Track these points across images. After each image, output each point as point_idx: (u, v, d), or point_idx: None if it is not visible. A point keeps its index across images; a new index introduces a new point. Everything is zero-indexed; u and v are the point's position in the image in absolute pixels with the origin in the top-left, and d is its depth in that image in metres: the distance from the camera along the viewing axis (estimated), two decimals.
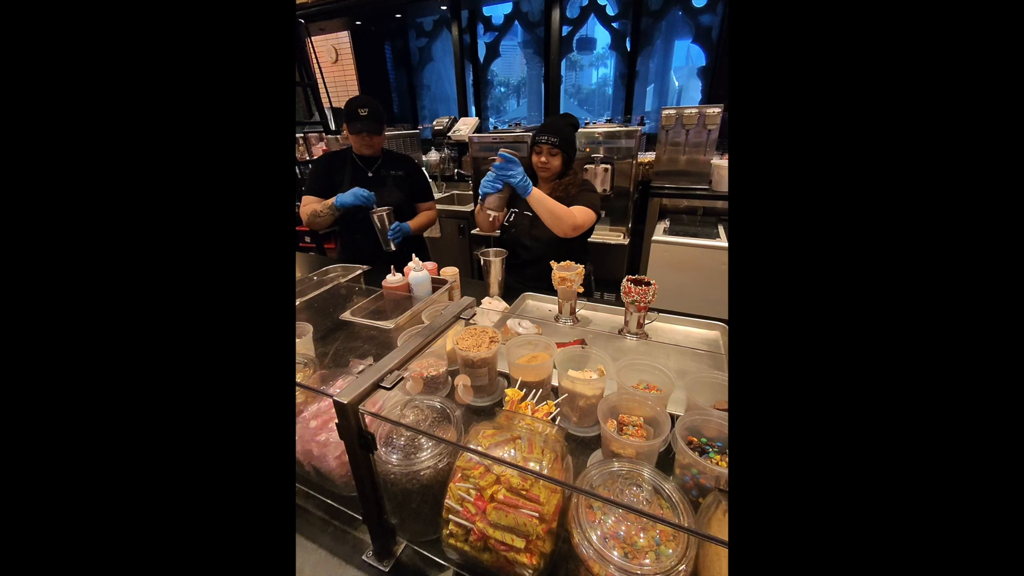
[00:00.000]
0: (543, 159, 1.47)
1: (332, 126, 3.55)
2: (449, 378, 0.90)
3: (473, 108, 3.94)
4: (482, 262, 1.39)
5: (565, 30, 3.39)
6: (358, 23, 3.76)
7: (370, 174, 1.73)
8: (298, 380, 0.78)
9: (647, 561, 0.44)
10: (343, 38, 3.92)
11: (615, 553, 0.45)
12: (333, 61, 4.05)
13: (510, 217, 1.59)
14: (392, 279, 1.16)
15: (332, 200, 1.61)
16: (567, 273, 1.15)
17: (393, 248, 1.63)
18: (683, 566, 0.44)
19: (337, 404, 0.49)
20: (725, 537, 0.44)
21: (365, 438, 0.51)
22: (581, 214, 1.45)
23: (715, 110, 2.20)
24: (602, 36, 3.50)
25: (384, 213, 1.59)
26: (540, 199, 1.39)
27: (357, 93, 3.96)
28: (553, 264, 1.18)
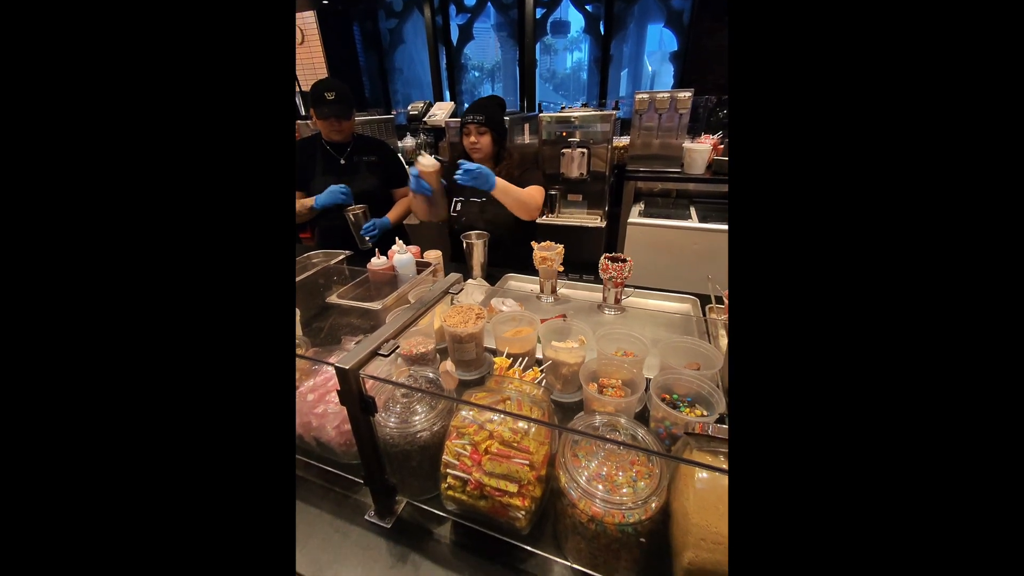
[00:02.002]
0: (472, 139, 1.48)
1: (301, 111, 3.43)
2: (438, 356, 0.94)
3: (448, 92, 3.88)
4: (464, 245, 1.42)
5: (539, 13, 3.37)
6: (325, 2, 3.61)
7: (342, 161, 1.70)
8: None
9: (624, 491, 0.50)
10: (309, 18, 3.75)
11: (600, 488, 0.51)
12: (299, 43, 3.88)
13: (456, 207, 1.59)
14: (377, 261, 1.18)
15: (311, 202, 1.59)
16: (547, 253, 1.20)
17: (370, 245, 1.62)
18: (655, 497, 0.50)
19: (339, 370, 0.53)
20: (696, 468, 0.50)
21: (366, 401, 0.55)
22: (539, 194, 1.51)
23: (686, 94, 2.26)
24: (576, 19, 3.50)
25: (360, 212, 1.58)
26: (504, 189, 1.42)
27: (325, 76, 3.82)
28: (534, 244, 1.23)
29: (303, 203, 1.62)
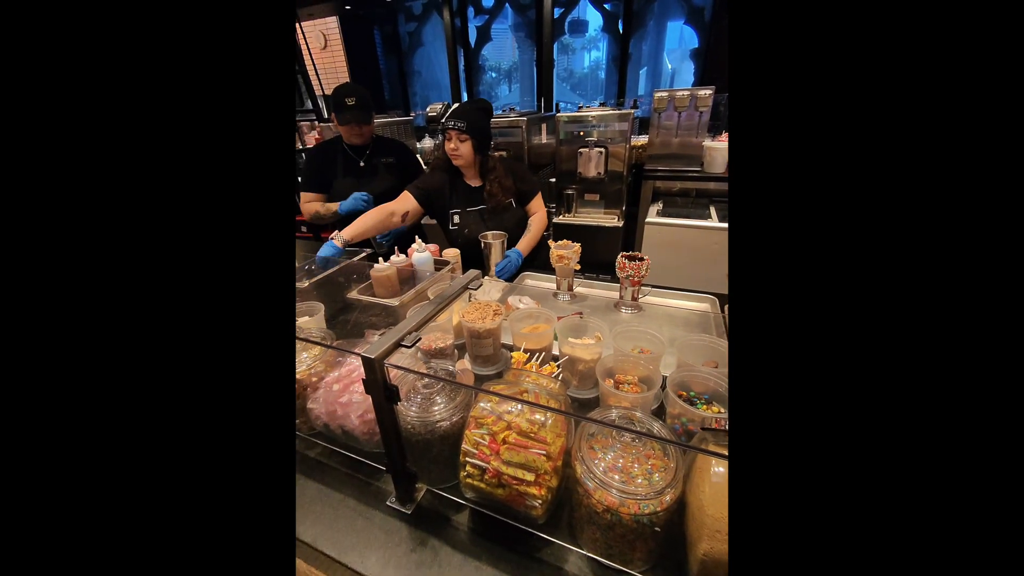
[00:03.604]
0: (452, 144, 1.47)
1: (325, 114, 3.53)
2: (456, 351, 0.96)
3: (465, 94, 3.92)
4: (482, 245, 1.45)
5: (557, 12, 3.38)
6: (347, 7, 3.70)
7: (362, 163, 1.75)
8: (317, 351, 0.84)
9: (640, 482, 0.51)
10: (331, 23, 3.86)
11: (616, 478, 0.52)
12: (322, 47, 4.00)
13: (454, 219, 1.58)
14: (380, 266, 1.16)
15: (335, 207, 1.67)
16: (564, 251, 1.21)
17: (385, 248, 1.67)
18: (670, 489, 0.51)
19: (365, 360, 0.55)
20: (712, 462, 0.51)
21: (390, 390, 0.57)
22: (543, 209, 1.65)
23: (706, 92, 2.23)
24: (594, 18, 3.49)
25: None
26: (529, 245, 1.55)
27: (347, 80, 3.92)
28: (551, 243, 1.24)
29: (328, 207, 1.69)
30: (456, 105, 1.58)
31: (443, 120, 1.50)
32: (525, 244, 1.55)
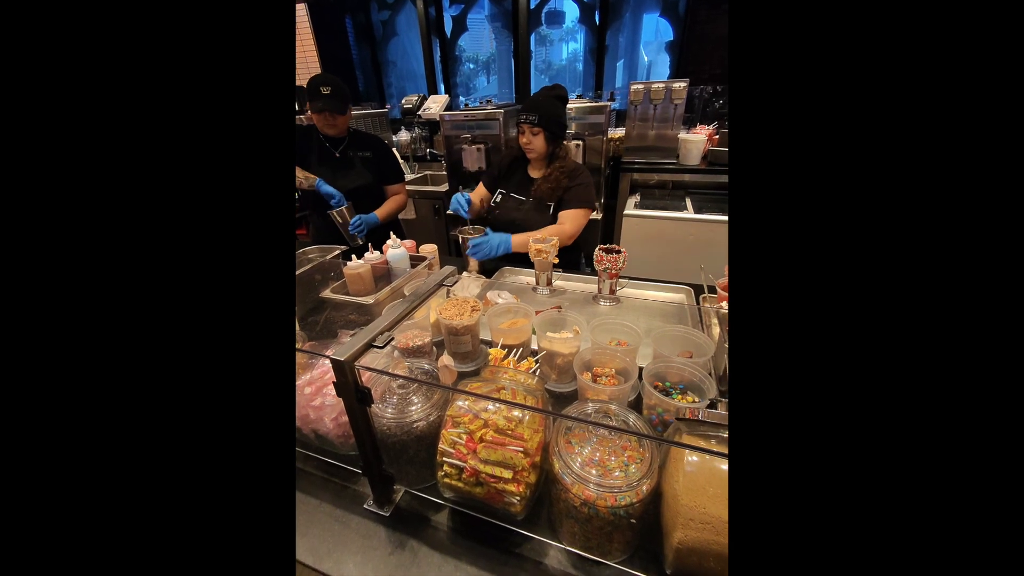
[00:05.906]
0: (526, 139, 1.45)
1: (296, 106, 3.40)
2: (434, 348, 0.95)
3: (442, 85, 3.85)
4: (460, 240, 1.43)
5: (533, 3, 3.34)
6: None
7: (337, 155, 1.70)
8: None
9: (617, 475, 0.51)
10: (300, 12, 3.70)
11: (593, 472, 0.52)
12: None
13: (496, 198, 1.61)
14: (353, 264, 1.12)
15: (315, 178, 1.60)
16: (543, 245, 1.21)
17: (360, 242, 1.63)
18: (646, 480, 0.52)
19: (335, 362, 0.53)
20: (685, 451, 0.52)
21: (362, 392, 0.56)
22: (572, 224, 1.43)
23: (680, 84, 2.25)
24: (571, 9, 3.46)
25: (344, 208, 1.60)
26: (523, 242, 1.37)
27: (319, 70, 3.78)
28: (528, 236, 1.23)
29: (308, 176, 1.61)
30: (531, 96, 1.50)
31: (518, 114, 1.47)
32: (522, 239, 1.38)
